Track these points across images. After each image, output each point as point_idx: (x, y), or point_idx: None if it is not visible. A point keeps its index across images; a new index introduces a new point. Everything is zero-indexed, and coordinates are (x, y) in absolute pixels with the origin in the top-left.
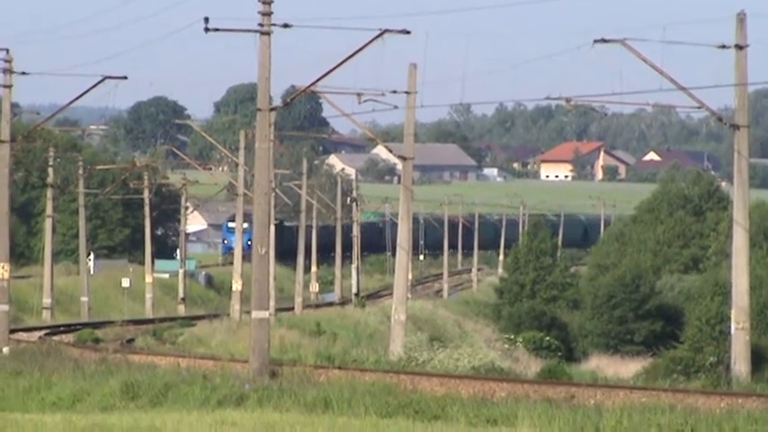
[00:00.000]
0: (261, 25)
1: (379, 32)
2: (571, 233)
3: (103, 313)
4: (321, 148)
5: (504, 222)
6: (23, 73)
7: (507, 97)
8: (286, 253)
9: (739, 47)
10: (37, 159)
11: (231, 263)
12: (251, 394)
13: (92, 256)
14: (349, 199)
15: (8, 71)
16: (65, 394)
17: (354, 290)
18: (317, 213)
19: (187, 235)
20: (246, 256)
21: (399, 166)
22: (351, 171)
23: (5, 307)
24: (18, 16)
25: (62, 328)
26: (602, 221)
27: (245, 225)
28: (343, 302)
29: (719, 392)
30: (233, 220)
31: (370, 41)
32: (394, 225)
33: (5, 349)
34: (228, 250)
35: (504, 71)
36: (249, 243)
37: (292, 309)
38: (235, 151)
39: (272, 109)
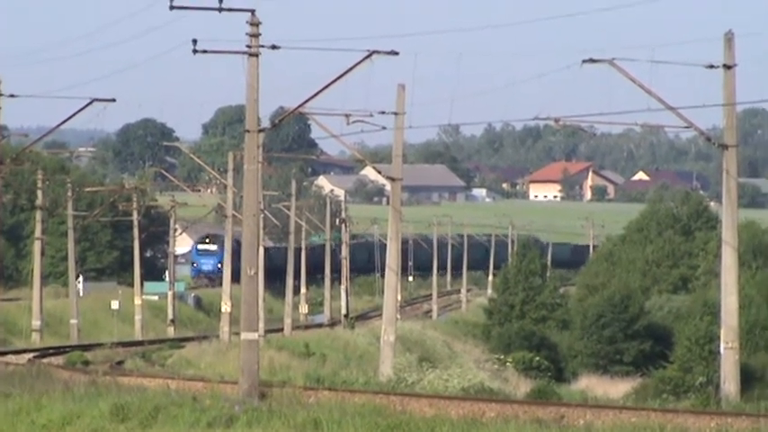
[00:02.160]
0: (249, 47)
1: (367, 53)
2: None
3: (93, 335)
4: (310, 170)
5: (492, 243)
6: (12, 95)
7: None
8: (271, 275)
9: (727, 66)
10: (25, 182)
11: (204, 286)
12: (241, 416)
13: (81, 279)
14: (338, 220)
15: None
16: (54, 417)
17: (344, 311)
18: (305, 234)
19: (176, 257)
20: (216, 279)
21: (388, 187)
22: (339, 192)
23: None
24: (6, 39)
25: (51, 351)
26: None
27: (215, 247)
28: (333, 323)
29: (709, 412)
30: (202, 242)
31: (359, 62)
32: (383, 246)
33: None
34: (198, 273)
35: (493, 92)
36: (220, 266)
37: (281, 330)
38: (223, 173)
39: (260, 130)
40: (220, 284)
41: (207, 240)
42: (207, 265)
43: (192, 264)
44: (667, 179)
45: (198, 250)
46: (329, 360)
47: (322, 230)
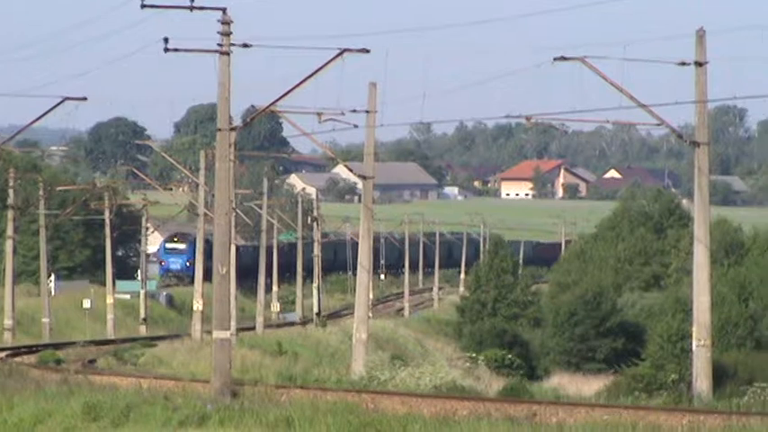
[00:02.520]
0: (220, 45)
1: (338, 52)
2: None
3: (65, 334)
4: (281, 168)
5: (464, 241)
6: None
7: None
8: (243, 273)
9: (699, 64)
10: None
11: (173, 284)
12: (213, 414)
13: (53, 277)
14: (310, 218)
15: None
16: (26, 415)
17: (316, 309)
18: (277, 233)
19: (148, 255)
20: (186, 276)
21: (360, 185)
22: (311, 190)
23: None
24: None
25: (23, 350)
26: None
27: (183, 246)
28: (305, 322)
29: (681, 409)
30: (170, 241)
31: (330, 61)
32: (354, 244)
33: None
34: (166, 271)
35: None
36: (188, 264)
37: (254, 328)
38: (195, 171)
39: (232, 129)
40: (189, 283)
41: (175, 239)
42: (175, 263)
43: (160, 262)
44: (639, 177)
45: (166, 249)
46: (301, 358)
47: (293, 229)
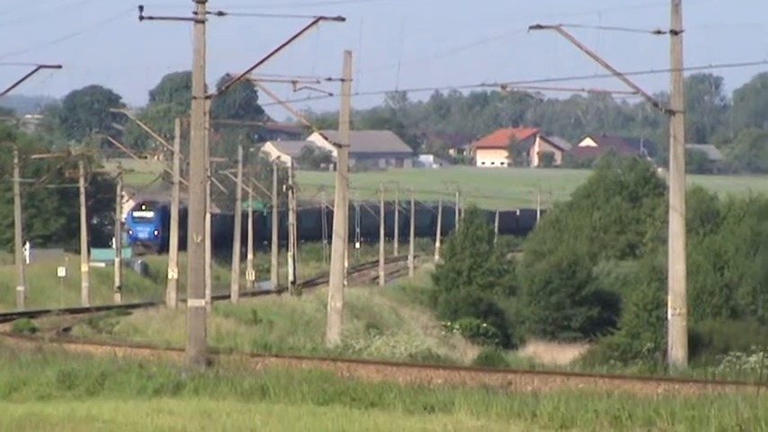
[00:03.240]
0: (195, 13)
1: (313, 20)
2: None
3: (39, 302)
4: (257, 136)
5: (440, 209)
6: None
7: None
8: (218, 242)
9: (674, 32)
10: None
11: (140, 254)
12: (187, 383)
13: (27, 246)
14: (285, 187)
15: None
16: (1, 384)
17: (291, 278)
18: (253, 201)
19: (122, 224)
20: (154, 245)
21: (335, 153)
22: (287, 159)
23: None
24: None
25: None
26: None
27: (151, 215)
28: (280, 290)
29: (656, 378)
30: (138, 210)
31: (305, 29)
32: (330, 213)
33: None
34: (134, 240)
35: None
36: (155, 233)
37: (228, 297)
38: (170, 140)
39: (207, 97)
40: (157, 252)
41: (143, 207)
42: (143, 232)
43: (128, 231)
44: (615, 145)
45: (134, 218)
46: (276, 327)
47: (269, 198)
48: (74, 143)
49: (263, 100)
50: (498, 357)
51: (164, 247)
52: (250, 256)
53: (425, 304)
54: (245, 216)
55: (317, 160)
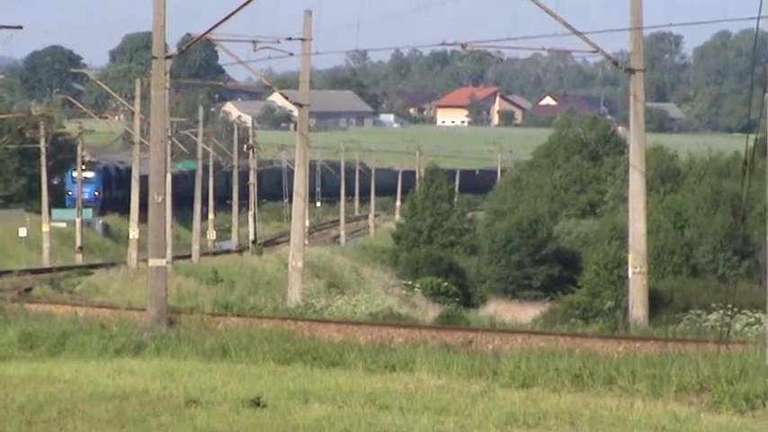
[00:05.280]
0: None
1: None
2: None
3: (1, 263)
4: (217, 96)
5: (400, 169)
6: None
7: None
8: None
9: None
10: None
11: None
12: (149, 343)
13: None
14: (245, 146)
15: None
16: None
17: (252, 237)
18: (213, 161)
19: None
20: (95, 207)
21: (296, 113)
22: (247, 118)
23: None
24: None
25: None
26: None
27: (91, 175)
28: (241, 250)
29: (617, 336)
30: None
31: None
32: (290, 172)
33: None
34: (74, 202)
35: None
36: (96, 194)
37: (190, 257)
38: (131, 100)
39: (167, 57)
40: (98, 214)
41: (83, 168)
42: (83, 193)
43: (68, 192)
44: (575, 104)
45: (74, 179)
46: (237, 286)
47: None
48: (34, 103)
49: (223, 60)
50: (459, 316)
51: (105, 209)
52: (211, 215)
53: (386, 263)
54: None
55: (278, 120)
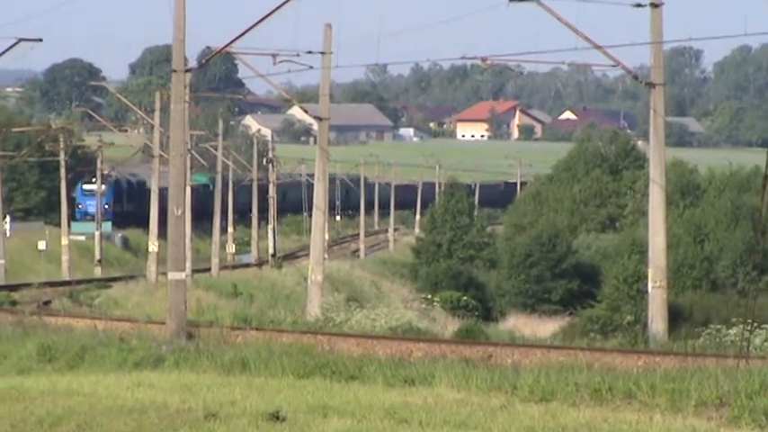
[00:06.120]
0: None
1: None
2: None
3: (20, 276)
4: (237, 110)
5: (420, 182)
6: None
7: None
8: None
9: (654, 5)
10: None
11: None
12: (168, 356)
13: (8, 219)
14: (265, 160)
15: None
16: None
17: (271, 251)
18: (232, 174)
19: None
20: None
21: (315, 126)
22: (267, 132)
23: None
24: None
25: None
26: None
27: (102, 188)
28: (260, 263)
29: (637, 351)
30: (88, 183)
31: (286, 2)
32: (310, 186)
33: None
34: (84, 215)
35: (420, 31)
36: (106, 207)
37: (209, 270)
38: (150, 113)
39: (187, 70)
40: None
41: (93, 180)
42: (92, 206)
43: (78, 205)
44: (595, 118)
45: (83, 191)
46: (257, 300)
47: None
48: (54, 116)
49: (243, 73)
50: (478, 330)
51: (116, 222)
52: (230, 229)
53: (406, 277)
54: (224, 187)
55: (298, 133)
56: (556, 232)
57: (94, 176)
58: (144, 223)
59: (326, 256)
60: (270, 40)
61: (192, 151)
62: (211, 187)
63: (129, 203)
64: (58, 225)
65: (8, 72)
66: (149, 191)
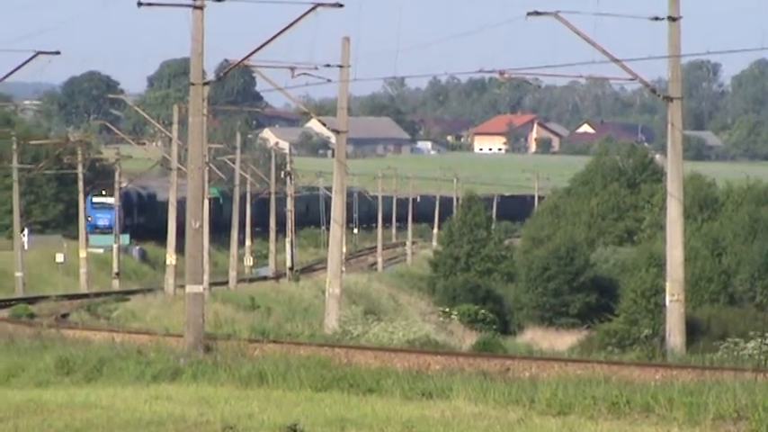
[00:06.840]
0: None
1: (312, 6)
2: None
3: (38, 288)
4: (255, 123)
5: (438, 195)
6: None
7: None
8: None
9: (672, 19)
10: None
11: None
12: (186, 369)
13: (26, 232)
14: (283, 173)
15: None
16: None
17: (289, 264)
18: (250, 187)
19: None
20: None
21: (333, 139)
22: (284, 145)
23: None
24: None
25: None
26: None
27: (111, 201)
28: (278, 276)
29: (654, 364)
30: (98, 195)
31: (304, 15)
32: (328, 199)
33: None
34: (93, 228)
35: (438, 44)
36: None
37: (227, 283)
38: (168, 126)
39: (205, 83)
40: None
41: (103, 193)
42: (102, 219)
43: (88, 218)
44: (612, 131)
45: (93, 204)
46: (274, 313)
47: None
48: (72, 129)
49: (261, 86)
50: (496, 343)
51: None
52: (248, 242)
53: (423, 290)
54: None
55: (315, 146)
56: (573, 245)
57: (104, 189)
58: (155, 236)
59: (344, 269)
60: (288, 54)
61: (210, 164)
62: (221, 201)
63: (140, 216)
64: (76, 238)
65: (26, 85)
66: (160, 203)
